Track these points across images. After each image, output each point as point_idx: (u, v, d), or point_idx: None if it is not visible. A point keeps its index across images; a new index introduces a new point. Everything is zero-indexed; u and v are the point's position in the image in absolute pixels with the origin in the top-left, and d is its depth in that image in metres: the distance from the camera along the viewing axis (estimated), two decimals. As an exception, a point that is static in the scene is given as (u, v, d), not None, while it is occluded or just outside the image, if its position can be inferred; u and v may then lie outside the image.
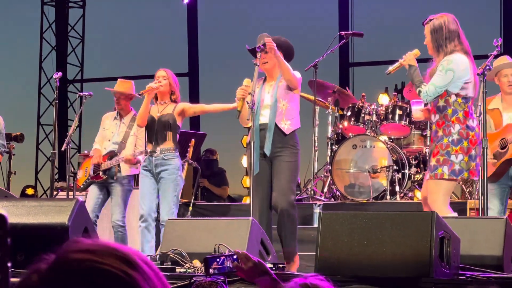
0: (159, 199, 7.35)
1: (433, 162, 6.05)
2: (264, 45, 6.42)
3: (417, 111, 6.77)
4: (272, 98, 6.62)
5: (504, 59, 6.94)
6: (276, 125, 6.53)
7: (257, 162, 6.59)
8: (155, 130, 7.35)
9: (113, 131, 8.20)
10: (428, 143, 8.95)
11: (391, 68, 6.37)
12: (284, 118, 6.57)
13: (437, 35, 6.06)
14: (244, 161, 11.82)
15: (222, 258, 3.54)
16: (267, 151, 6.52)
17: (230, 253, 3.58)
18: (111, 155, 8.02)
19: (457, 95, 5.99)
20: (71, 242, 1.22)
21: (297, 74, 6.64)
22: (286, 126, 6.53)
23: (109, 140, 8.17)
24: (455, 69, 5.94)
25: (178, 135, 7.41)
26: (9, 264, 1.33)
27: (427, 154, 6.26)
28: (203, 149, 12.41)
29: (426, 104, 6.48)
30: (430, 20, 6.13)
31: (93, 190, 8.11)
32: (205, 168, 12.20)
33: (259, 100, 6.71)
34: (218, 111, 7.84)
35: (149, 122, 7.39)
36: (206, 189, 12.01)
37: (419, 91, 6.03)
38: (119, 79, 8.32)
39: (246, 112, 6.64)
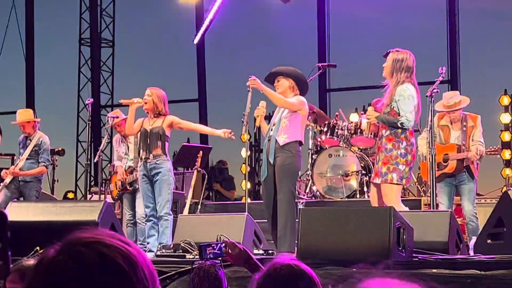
0: (155, 197, 7.06)
1: (384, 169, 5.99)
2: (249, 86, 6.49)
3: (365, 123, 6.75)
4: (278, 117, 6.56)
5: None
6: (276, 139, 6.44)
7: (265, 168, 6.51)
8: (148, 140, 7.12)
9: (123, 151, 8.22)
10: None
11: (365, 128, 6.50)
12: (282, 133, 6.43)
13: (397, 64, 6.04)
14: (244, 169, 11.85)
15: (213, 245, 3.55)
16: (270, 159, 6.42)
17: (220, 242, 3.58)
18: (131, 170, 8.00)
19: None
20: (77, 231, 1.24)
21: (295, 99, 6.49)
22: (282, 139, 6.38)
23: (123, 158, 8.21)
24: (413, 95, 5.95)
25: (167, 143, 7.13)
26: (9, 253, 1.34)
27: (376, 161, 6.18)
28: (212, 159, 12.50)
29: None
30: (397, 50, 6.13)
31: (126, 199, 8.16)
32: (218, 174, 12.27)
33: (273, 120, 6.68)
34: (204, 133, 7.64)
35: (143, 133, 7.15)
36: (218, 192, 12.04)
37: (402, 123, 5.94)
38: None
39: (264, 127, 6.70)
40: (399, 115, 5.92)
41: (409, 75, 6.04)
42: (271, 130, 6.57)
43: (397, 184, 5.98)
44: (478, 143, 7.15)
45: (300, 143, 6.57)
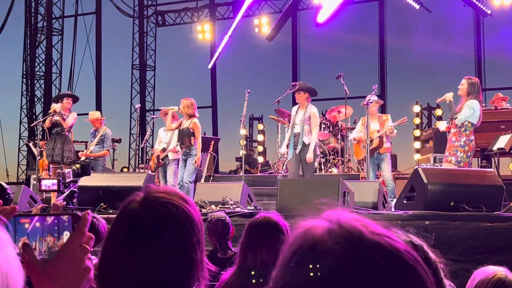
0: (185, 171, 7.02)
1: (447, 153, 5.86)
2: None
3: (443, 125, 6.30)
4: (301, 121, 6.58)
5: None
6: (303, 140, 6.53)
7: (291, 152, 6.59)
8: (181, 135, 7.06)
9: (163, 137, 8.12)
10: (338, 142, 8.96)
11: (440, 99, 6.05)
12: (306, 135, 6.52)
13: (470, 87, 5.86)
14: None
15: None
16: (297, 150, 6.53)
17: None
18: (164, 149, 7.95)
19: (469, 122, 5.83)
20: (151, 187, 1.21)
21: (314, 123, 6.55)
22: (307, 139, 6.53)
23: (161, 142, 8.10)
24: (475, 108, 5.80)
25: (193, 137, 6.99)
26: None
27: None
28: (242, 148, 12.36)
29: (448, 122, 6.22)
30: (470, 78, 5.94)
31: (160, 172, 7.96)
32: (247, 158, 12.22)
33: (294, 118, 6.66)
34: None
35: (179, 130, 7.08)
36: (247, 170, 11.94)
37: (456, 117, 5.82)
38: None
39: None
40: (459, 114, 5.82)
41: (476, 95, 5.86)
42: (294, 127, 6.60)
43: (454, 165, 5.73)
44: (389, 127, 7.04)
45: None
